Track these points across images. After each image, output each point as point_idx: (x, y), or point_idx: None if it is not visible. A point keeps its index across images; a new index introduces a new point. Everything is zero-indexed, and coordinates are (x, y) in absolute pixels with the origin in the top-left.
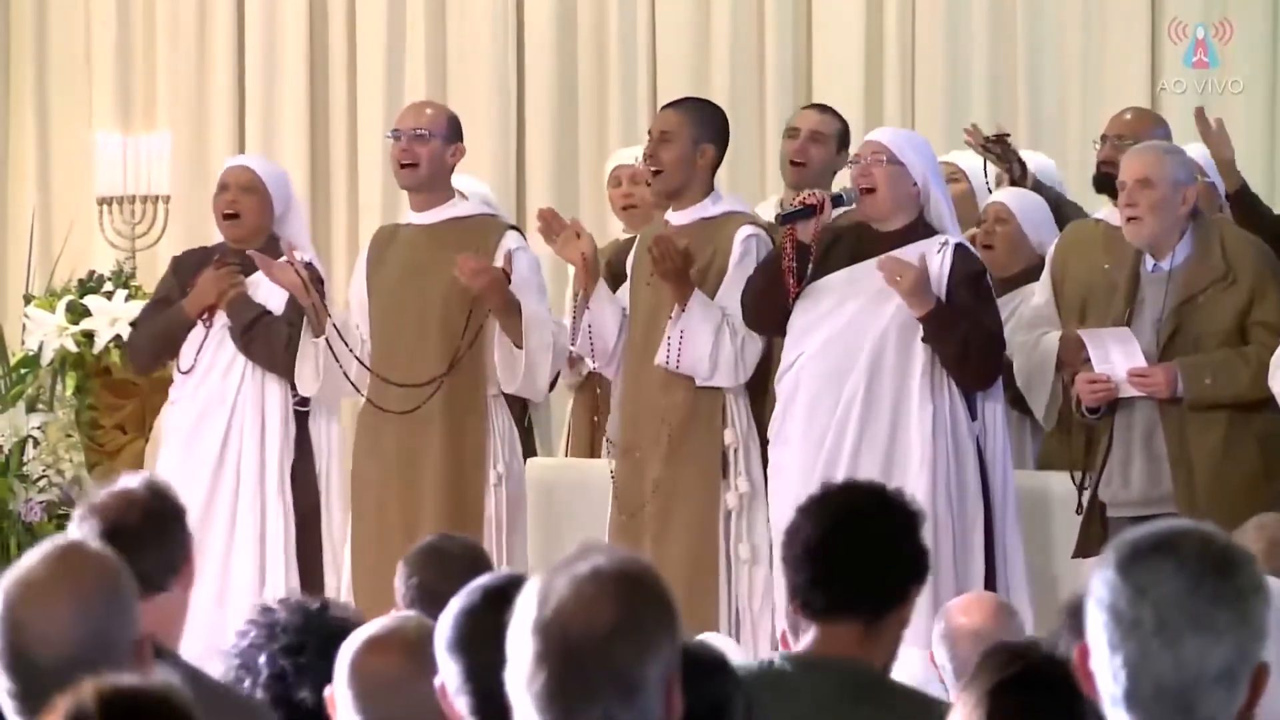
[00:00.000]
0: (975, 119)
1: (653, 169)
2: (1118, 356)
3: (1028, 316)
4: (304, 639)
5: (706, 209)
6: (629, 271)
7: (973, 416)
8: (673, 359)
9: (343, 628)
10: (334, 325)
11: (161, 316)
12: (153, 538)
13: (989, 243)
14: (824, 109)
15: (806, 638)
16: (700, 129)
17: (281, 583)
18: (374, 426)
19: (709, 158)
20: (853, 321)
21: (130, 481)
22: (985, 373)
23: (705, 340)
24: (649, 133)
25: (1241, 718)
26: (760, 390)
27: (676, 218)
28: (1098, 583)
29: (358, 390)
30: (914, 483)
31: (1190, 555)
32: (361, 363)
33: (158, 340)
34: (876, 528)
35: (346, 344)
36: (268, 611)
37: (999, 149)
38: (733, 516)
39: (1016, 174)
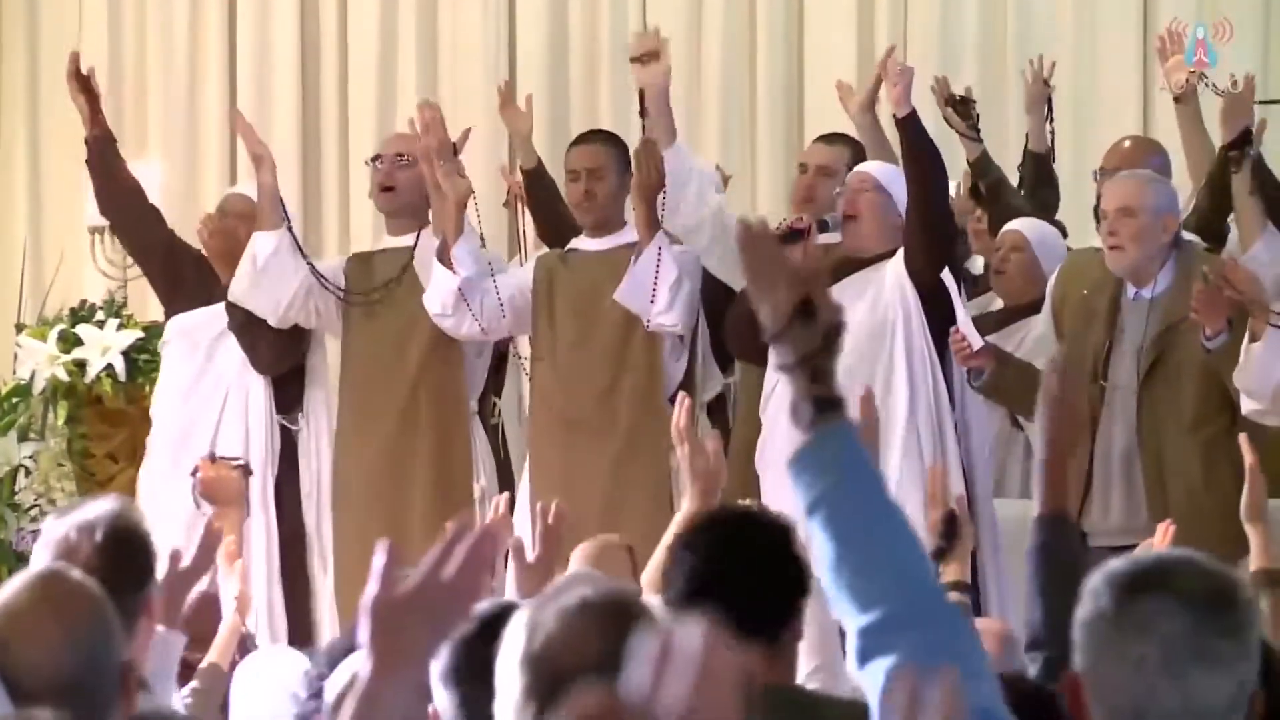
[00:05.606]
0: None
1: (586, 203)
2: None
3: (1030, 347)
4: None
5: (627, 236)
6: (533, 290)
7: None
8: (647, 280)
9: None
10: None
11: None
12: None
13: (1002, 269)
14: (832, 139)
15: None
16: (623, 161)
17: (264, 602)
18: (355, 434)
19: (628, 188)
20: None
21: (83, 527)
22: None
23: (670, 273)
24: (574, 170)
25: None
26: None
27: (597, 244)
28: (1093, 617)
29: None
30: (894, 465)
31: (1191, 589)
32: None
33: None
34: (754, 550)
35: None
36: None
37: (961, 109)
38: None
39: (972, 136)
